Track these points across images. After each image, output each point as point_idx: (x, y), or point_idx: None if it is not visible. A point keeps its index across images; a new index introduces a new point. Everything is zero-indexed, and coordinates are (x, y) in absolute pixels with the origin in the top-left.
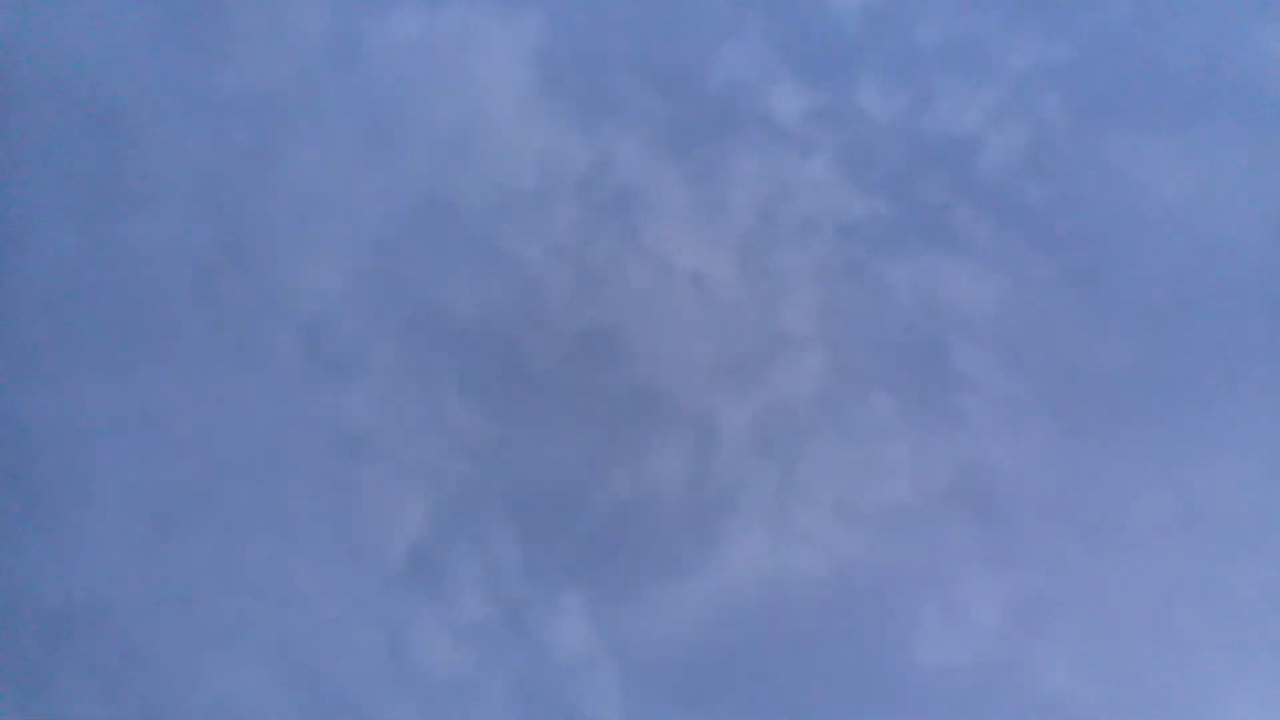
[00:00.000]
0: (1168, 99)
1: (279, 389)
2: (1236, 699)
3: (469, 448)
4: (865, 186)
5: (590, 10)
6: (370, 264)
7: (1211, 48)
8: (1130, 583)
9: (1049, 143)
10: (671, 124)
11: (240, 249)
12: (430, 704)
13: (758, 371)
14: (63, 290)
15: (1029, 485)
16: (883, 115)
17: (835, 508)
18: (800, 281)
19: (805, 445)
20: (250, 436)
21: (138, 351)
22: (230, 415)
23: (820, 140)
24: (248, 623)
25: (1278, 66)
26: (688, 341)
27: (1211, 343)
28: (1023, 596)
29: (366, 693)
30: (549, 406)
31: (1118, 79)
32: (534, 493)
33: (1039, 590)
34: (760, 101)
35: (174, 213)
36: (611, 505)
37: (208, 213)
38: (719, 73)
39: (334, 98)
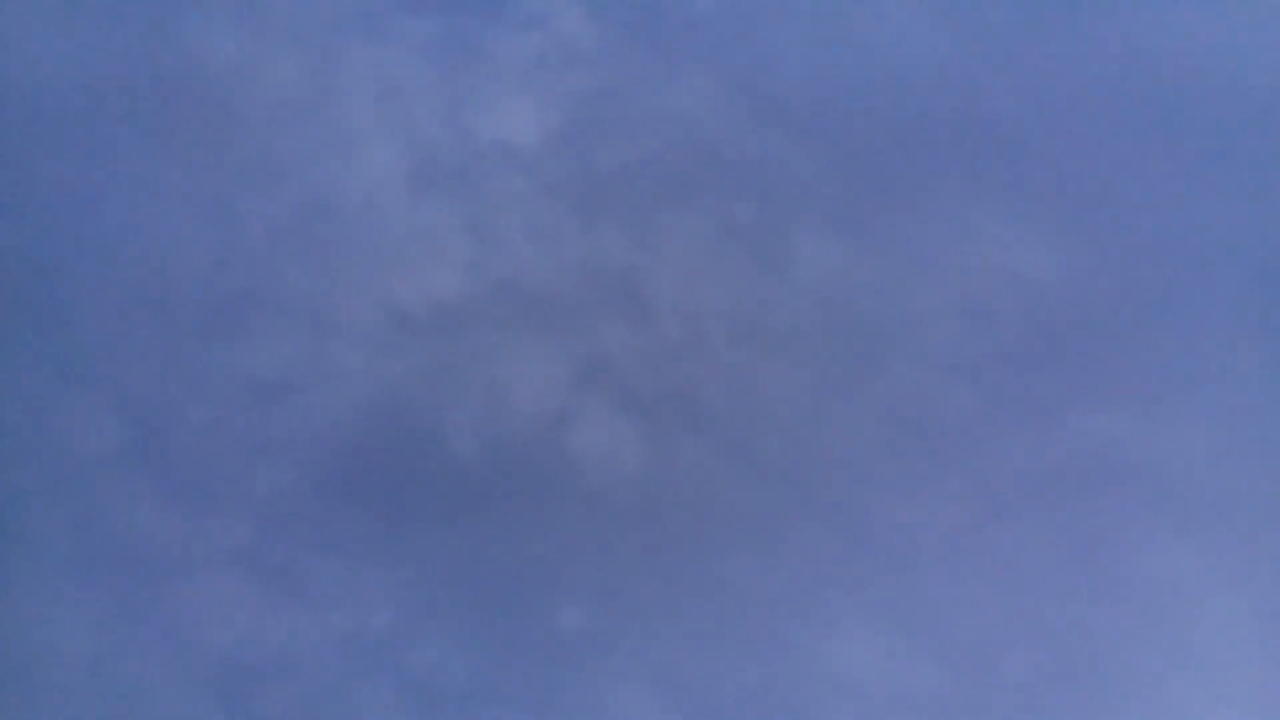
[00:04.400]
0: None
1: None
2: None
3: None
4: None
5: None
6: None
7: None
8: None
9: None
10: None
11: None
12: None
13: (301, 169)
14: None
15: (580, 285)
16: None
17: (380, 306)
18: (358, 87)
19: (348, 245)
20: None
21: None
22: None
23: None
24: None
25: None
26: (232, 138)
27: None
28: (565, 387)
29: None
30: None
31: None
32: (47, 288)
33: (582, 381)
34: None
35: None
36: (122, 300)
37: None
38: None
39: None
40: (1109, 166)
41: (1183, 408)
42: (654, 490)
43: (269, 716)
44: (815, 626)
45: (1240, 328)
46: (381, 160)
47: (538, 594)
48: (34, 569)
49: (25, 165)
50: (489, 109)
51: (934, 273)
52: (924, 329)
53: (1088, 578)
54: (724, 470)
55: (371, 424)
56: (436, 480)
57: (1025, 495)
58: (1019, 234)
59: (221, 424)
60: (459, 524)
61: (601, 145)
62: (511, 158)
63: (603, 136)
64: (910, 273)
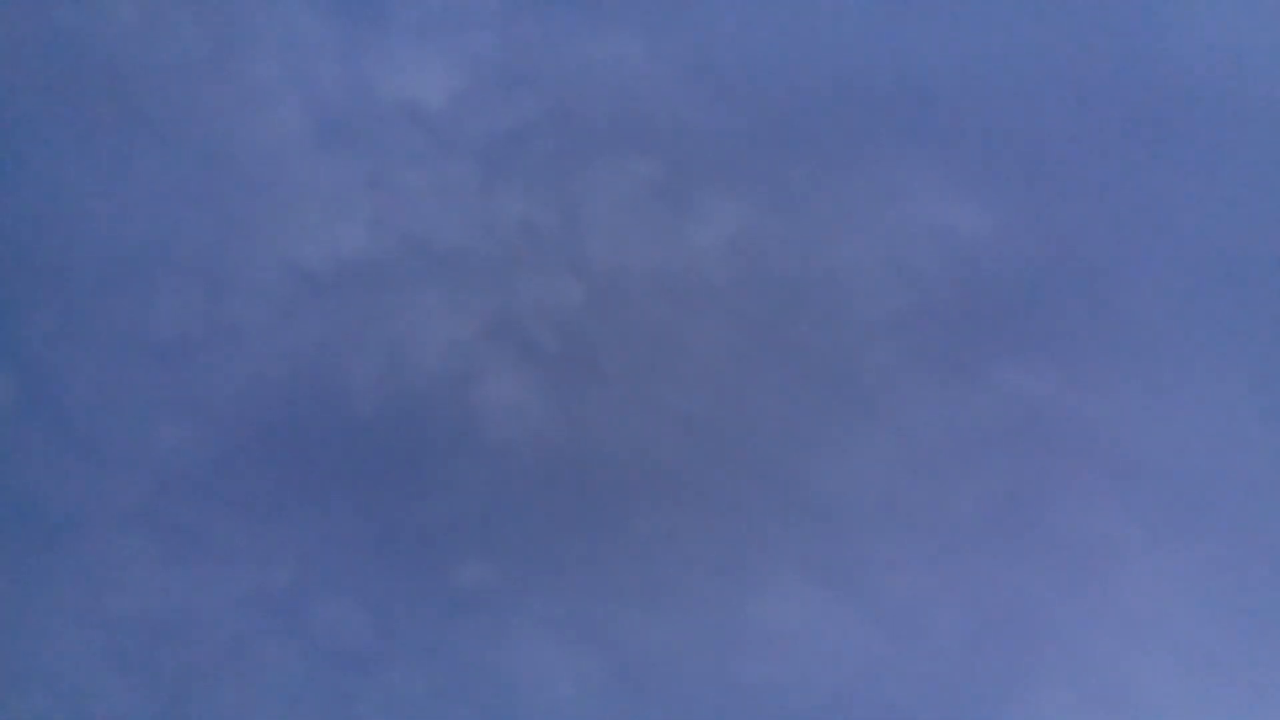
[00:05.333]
0: None
1: None
2: None
3: None
4: None
5: None
6: None
7: None
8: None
9: None
10: None
11: None
12: None
13: (203, 126)
14: None
15: (487, 241)
16: None
17: (283, 263)
18: (260, 44)
19: (250, 202)
20: None
21: None
22: None
23: None
24: None
25: None
26: (133, 96)
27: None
28: (467, 341)
29: None
30: None
31: None
32: None
33: (488, 337)
34: None
35: None
36: (20, 256)
37: None
38: None
39: None
40: (1038, 123)
41: (1109, 365)
42: (561, 447)
43: (168, 674)
44: (742, 583)
45: (1167, 287)
46: (284, 117)
47: (443, 550)
48: None
49: None
50: (393, 65)
51: (861, 229)
52: (851, 285)
53: (1015, 535)
54: (638, 427)
55: (274, 381)
56: (340, 437)
57: (953, 452)
58: (946, 190)
59: (121, 381)
60: (362, 481)
61: (508, 102)
62: (416, 114)
63: (509, 93)
64: (837, 229)
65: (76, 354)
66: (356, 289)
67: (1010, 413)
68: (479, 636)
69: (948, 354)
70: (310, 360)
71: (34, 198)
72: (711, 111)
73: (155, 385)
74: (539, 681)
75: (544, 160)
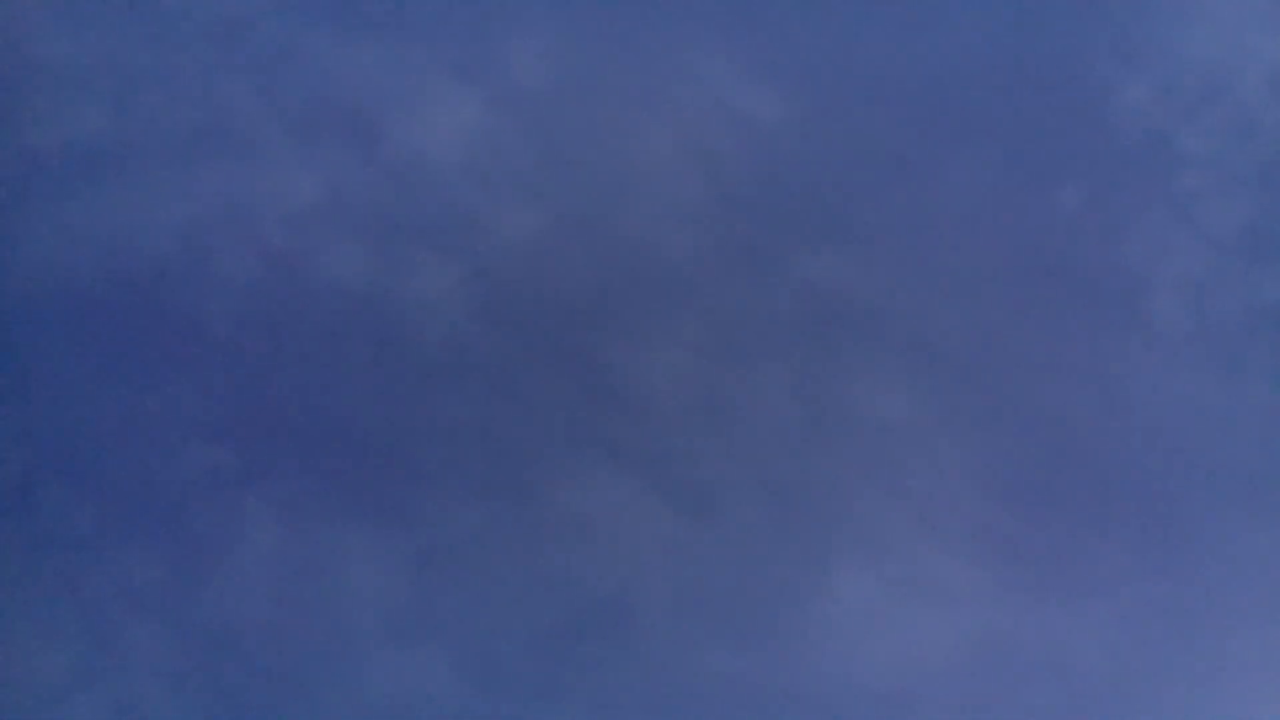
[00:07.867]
0: None
1: None
2: None
3: None
4: None
5: None
6: None
7: None
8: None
9: None
10: None
11: None
12: None
13: None
14: None
15: (226, 124)
16: None
17: (12, 145)
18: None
19: None
20: None
21: None
22: None
23: None
24: None
25: None
26: None
27: None
28: (202, 223)
29: None
30: None
31: None
32: None
33: (218, 220)
34: None
35: None
36: None
37: None
38: None
39: None
40: (838, 10)
41: (906, 254)
42: (304, 331)
43: None
44: (542, 470)
45: (965, 179)
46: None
47: (174, 434)
48: None
49: None
50: None
51: (657, 114)
52: (647, 171)
53: (813, 421)
54: (419, 314)
55: (3, 264)
56: (68, 322)
57: (752, 340)
58: (744, 76)
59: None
60: (91, 365)
61: None
62: None
63: None
64: (632, 113)
65: None
66: (89, 171)
67: (808, 300)
68: (208, 518)
69: (747, 242)
70: (39, 243)
71: None
72: None
73: None
74: (303, 565)
75: (281, 43)
